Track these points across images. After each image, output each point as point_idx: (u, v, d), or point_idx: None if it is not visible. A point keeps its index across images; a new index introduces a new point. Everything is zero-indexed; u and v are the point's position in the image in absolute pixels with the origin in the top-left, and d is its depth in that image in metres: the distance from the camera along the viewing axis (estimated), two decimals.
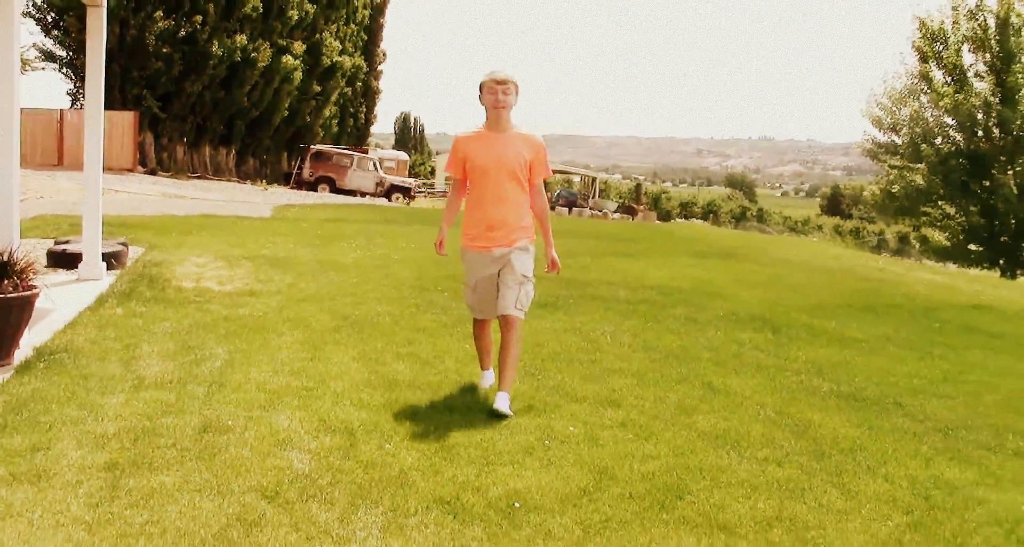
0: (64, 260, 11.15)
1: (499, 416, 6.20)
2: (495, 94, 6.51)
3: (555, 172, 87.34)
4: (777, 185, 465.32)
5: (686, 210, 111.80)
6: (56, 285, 9.96)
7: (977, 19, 42.47)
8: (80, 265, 10.76)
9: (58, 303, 8.82)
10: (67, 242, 11.90)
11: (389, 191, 46.45)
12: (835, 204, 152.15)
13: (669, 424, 6.43)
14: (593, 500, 4.85)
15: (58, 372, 6.58)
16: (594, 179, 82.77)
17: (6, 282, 6.67)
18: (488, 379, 7.01)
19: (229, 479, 4.75)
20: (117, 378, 6.57)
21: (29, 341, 7.20)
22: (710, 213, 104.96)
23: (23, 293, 6.74)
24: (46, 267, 10.87)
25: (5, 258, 6.77)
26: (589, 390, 7.18)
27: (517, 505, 4.68)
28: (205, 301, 9.82)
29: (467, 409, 6.39)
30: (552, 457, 5.46)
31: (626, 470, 5.35)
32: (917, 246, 49.30)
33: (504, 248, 6.59)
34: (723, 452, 5.90)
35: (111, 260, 11.33)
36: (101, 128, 10.89)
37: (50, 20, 40.62)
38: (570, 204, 58.69)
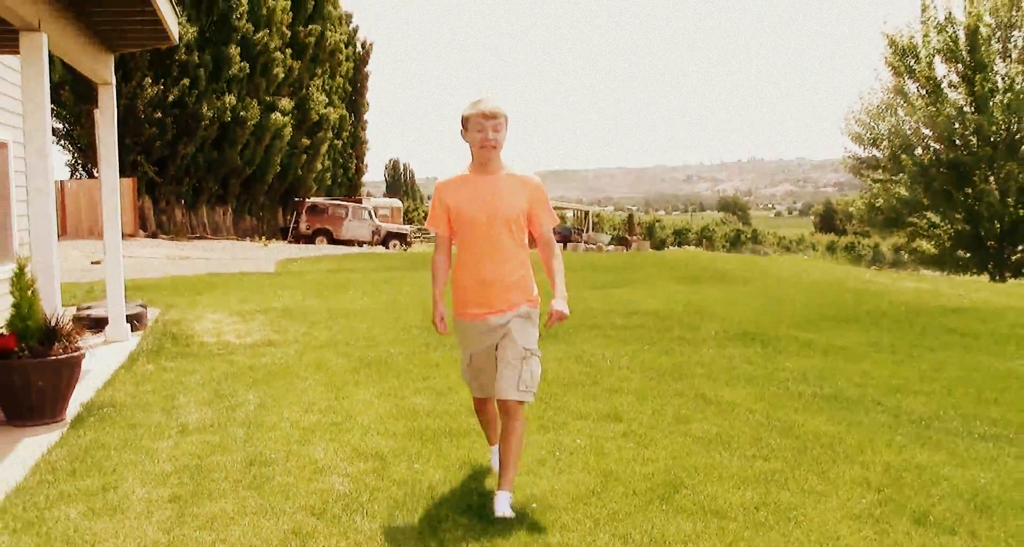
0: (90, 324, 11.77)
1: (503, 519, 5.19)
2: (483, 131, 5.36)
3: None
4: (770, 206, 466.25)
5: (681, 237, 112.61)
6: (87, 348, 10.62)
7: (947, 31, 43.31)
8: (107, 328, 11.41)
9: (93, 364, 9.50)
10: (90, 307, 12.54)
11: (386, 239, 47.16)
12: (829, 221, 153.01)
13: (666, 432, 7.10)
14: (601, 498, 5.51)
15: (109, 424, 7.25)
16: (587, 213, 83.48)
17: (56, 345, 7.35)
18: (498, 457, 5.65)
19: (280, 502, 5.40)
20: (163, 426, 7.23)
21: (76, 398, 7.85)
22: (704, 239, 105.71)
23: (72, 354, 7.43)
24: None
25: (54, 323, 7.46)
26: (592, 408, 7.85)
27: (534, 506, 5.34)
28: (228, 353, 10.50)
29: (482, 433, 7.06)
30: (563, 466, 6.12)
31: (629, 472, 6.01)
32: (906, 257, 49.98)
33: (502, 315, 5.51)
34: (715, 453, 6.57)
35: (133, 321, 11.99)
36: (118, 197, 11.59)
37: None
38: (564, 239, 59.39)
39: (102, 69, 11.16)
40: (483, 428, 6.20)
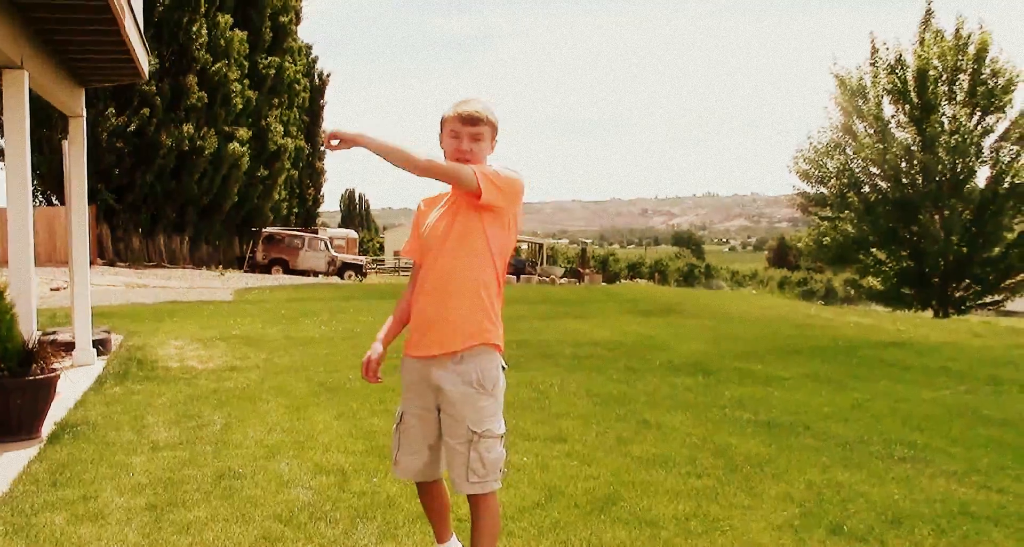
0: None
1: None
2: (458, 138, 4.26)
3: None
4: (724, 240, 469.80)
5: (634, 270, 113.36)
6: (63, 369, 11.00)
7: (897, 73, 44.36)
8: (74, 352, 11.77)
9: (63, 386, 9.87)
10: (55, 332, 12.87)
11: (342, 269, 47.48)
12: (782, 256, 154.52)
13: (608, 452, 7.61)
14: (545, 509, 5.99)
15: (83, 441, 7.64)
16: (541, 245, 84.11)
17: (34, 366, 7.77)
18: None
19: (250, 510, 5.84)
20: (135, 443, 7.64)
21: (50, 418, 8.25)
22: (657, 272, 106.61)
23: (49, 375, 7.85)
24: None
25: (32, 346, 7.88)
26: (540, 430, 8.34)
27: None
28: (192, 377, 10.91)
29: None
30: (510, 481, 6.57)
31: (571, 487, 6.50)
32: (852, 292, 50.92)
33: (443, 362, 4.31)
34: (653, 471, 7.07)
35: (99, 346, 12.34)
36: (87, 226, 12.03)
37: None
38: (518, 272, 59.89)
39: (74, 102, 11.60)
40: (428, 519, 4.89)
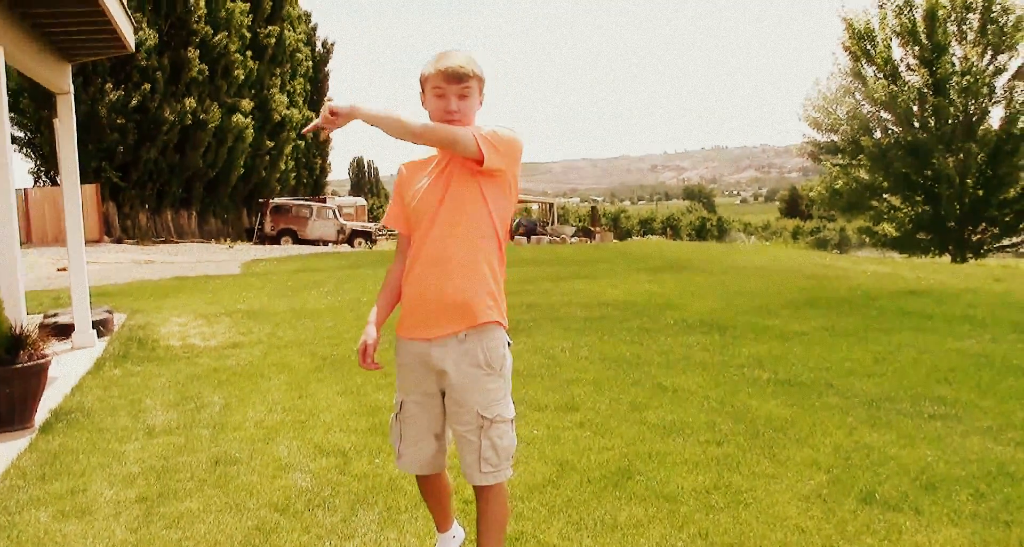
0: (57, 331, 11.85)
1: None
2: (444, 97, 3.82)
3: None
4: (735, 193, 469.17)
5: (646, 227, 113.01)
6: (55, 354, 10.72)
7: (904, 14, 43.82)
8: (73, 334, 11.50)
9: (60, 370, 9.60)
10: (56, 315, 12.61)
11: (351, 237, 47.14)
12: (794, 206, 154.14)
13: (622, 421, 7.28)
14: (556, 487, 5.66)
15: (77, 428, 7.35)
16: (551, 205, 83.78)
17: (22, 353, 7.45)
18: (450, 543, 4.55)
19: (244, 499, 5.54)
20: (130, 429, 7.34)
21: (44, 405, 7.95)
22: (669, 227, 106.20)
23: (38, 361, 7.53)
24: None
25: (18, 332, 7.56)
26: (551, 399, 8.01)
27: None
28: (194, 356, 10.61)
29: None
30: (520, 456, 6.24)
31: (584, 461, 6.18)
32: (867, 240, 50.55)
33: (444, 341, 3.89)
34: (670, 439, 6.73)
35: (99, 327, 12.06)
36: (79, 206, 11.67)
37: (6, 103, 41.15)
38: (529, 232, 59.56)
39: (59, 79, 11.25)
40: (428, 508, 4.55)
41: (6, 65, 8.69)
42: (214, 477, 6.02)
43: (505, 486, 4.09)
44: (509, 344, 4.02)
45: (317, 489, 5.70)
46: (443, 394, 3.98)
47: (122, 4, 10.41)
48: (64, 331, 11.72)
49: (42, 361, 7.58)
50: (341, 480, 5.87)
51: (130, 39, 11.22)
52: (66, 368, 9.92)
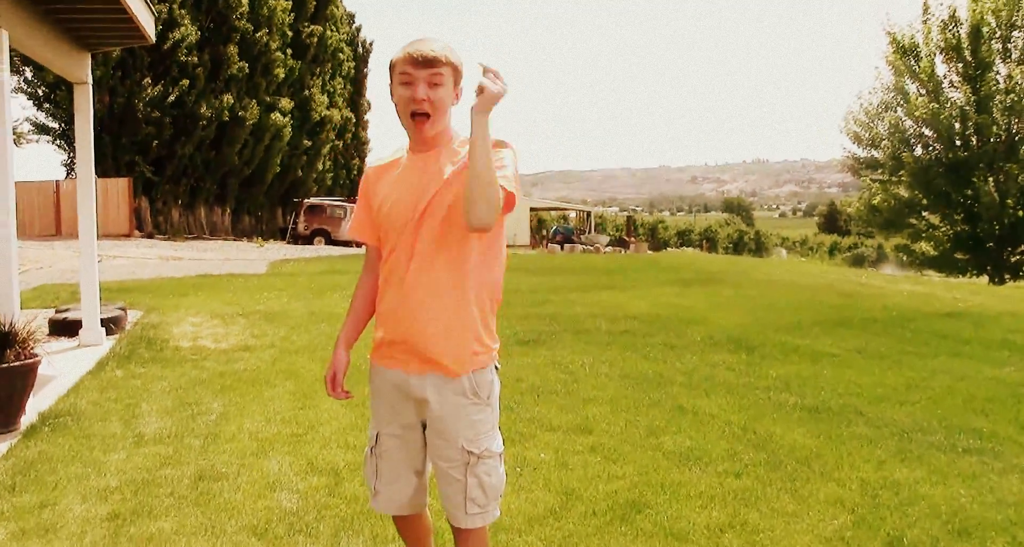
0: (65, 328, 11.55)
1: None
2: (412, 84, 3.28)
3: (550, 209, 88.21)
4: (775, 206, 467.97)
5: (683, 238, 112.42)
6: (58, 352, 10.40)
7: (949, 29, 43.32)
8: (80, 332, 11.19)
9: (61, 369, 9.27)
10: (67, 310, 12.31)
11: None
12: (832, 221, 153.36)
13: (637, 446, 6.85)
14: (559, 519, 5.25)
15: (62, 434, 7.00)
16: (589, 213, 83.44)
17: (8, 352, 7.10)
18: None
19: (223, 521, 5.16)
20: (118, 436, 6.99)
21: (34, 406, 7.62)
22: (706, 240, 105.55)
23: (25, 362, 7.17)
24: (48, 335, 11.23)
25: (6, 329, 7.21)
26: (564, 419, 7.59)
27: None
28: (201, 359, 10.26)
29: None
30: (523, 483, 5.86)
31: (591, 491, 5.76)
32: (904, 258, 49.97)
33: (424, 375, 3.42)
34: (685, 468, 6.31)
35: (110, 325, 11.75)
36: (93, 198, 11.36)
37: (41, 94, 41.23)
38: (566, 240, 59.14)
39: (76, 68, 10.96)
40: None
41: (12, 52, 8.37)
42: (195, 494, 5.65)
43: (486, 528, 3.57)
44: (497, 368, 3.52)
45: (302, 512, 5.32)
46: (424, 425, 3.51)
47: None
48: (73, 328, 11.41)
49: (30, 361, 7.24)
50: (329, 502, 5.49)
51: (150, 30, 10.90)
52: (67, 367, 9.61)
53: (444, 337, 3.35)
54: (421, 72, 3.26)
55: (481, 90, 3.08)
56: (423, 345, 3.36)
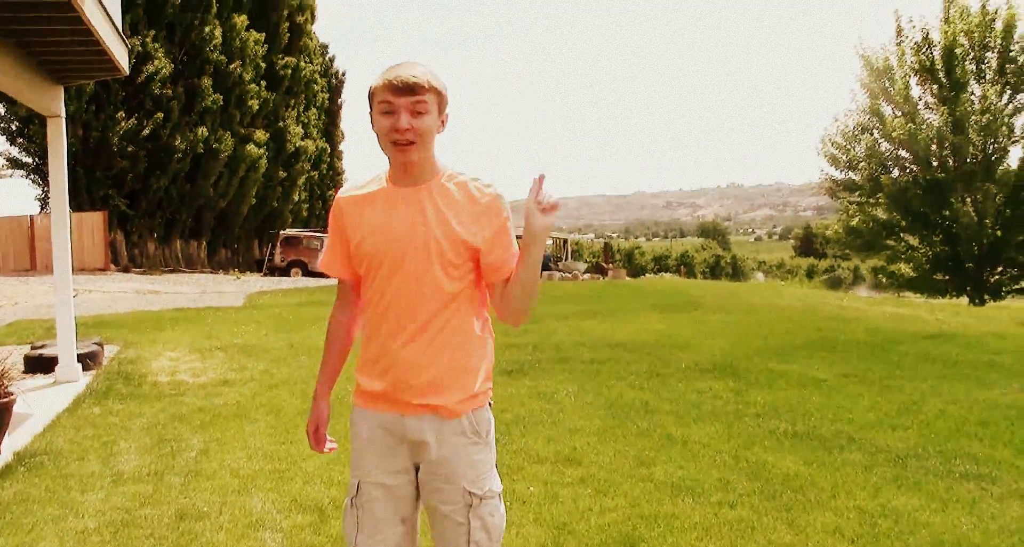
0: (41, 364, 11.35)
1: None
2: (394, 114, 3.03)
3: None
4: (750, 230, 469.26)
5: (660, 264, 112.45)
6: (34, 390, 10.21)
7: (923, 51, 43.53)
8: (56, 368, 10.99)
9: (37, 407, 9.08)
10: (43, 346, 12.11)
11: None
12: (808, 244, 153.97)
13: (627, 477, 6.71)
14: None
15: (38, 474, 6.82)
16: (565, 241, 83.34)
17: None
18: None
19: None
20: (96, 475, 6.81)
21: (9, 446, 7.44)
22: (683, 265, 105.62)
23: (1, 400, 7.00)
24: (24, 372, 11.04)
25: None
26: (551, 450, 7.45)
27: None
28: (180, 394, 10.08)
29: None
30: (512, 518, 5.69)
31: (584, 524, 5.62)
32: (883, 280, 50.02)
33: (421, 415, 3.15)
34: (678, 499, 6.17)
35: (87, 360, 11.56)
36: (68, 232, 11.18)
37: (15, 128, 40.94)
38: (543, 268, 58.95)
39: (48, 101, 10.79)
40: None
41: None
42: (176, 534, 5.48)
43: None
44: (490, 404, 3.30)
45: None
46: (417, 469, 3.23)
47: (114, 26, 9.95)
48: (49, 364, 11.22)
49: (5, 399, 7.08)
50: (314, 541, 5.33)
51: (123, 62, 10.76)
52: (44, 404, 9.41)
53: (452, 379, 3.14)
54: (403, 100, 3.02)
55: (554, 207, 2.99)
56: (433, 390, 3.13)
